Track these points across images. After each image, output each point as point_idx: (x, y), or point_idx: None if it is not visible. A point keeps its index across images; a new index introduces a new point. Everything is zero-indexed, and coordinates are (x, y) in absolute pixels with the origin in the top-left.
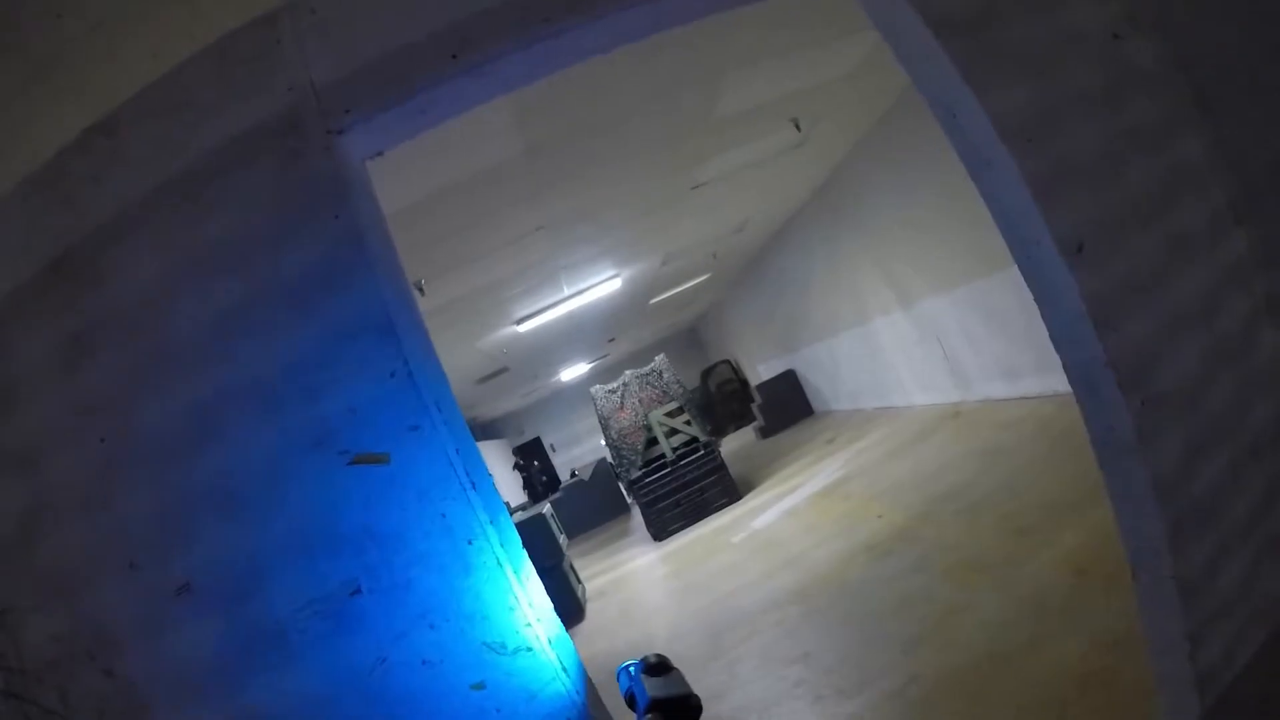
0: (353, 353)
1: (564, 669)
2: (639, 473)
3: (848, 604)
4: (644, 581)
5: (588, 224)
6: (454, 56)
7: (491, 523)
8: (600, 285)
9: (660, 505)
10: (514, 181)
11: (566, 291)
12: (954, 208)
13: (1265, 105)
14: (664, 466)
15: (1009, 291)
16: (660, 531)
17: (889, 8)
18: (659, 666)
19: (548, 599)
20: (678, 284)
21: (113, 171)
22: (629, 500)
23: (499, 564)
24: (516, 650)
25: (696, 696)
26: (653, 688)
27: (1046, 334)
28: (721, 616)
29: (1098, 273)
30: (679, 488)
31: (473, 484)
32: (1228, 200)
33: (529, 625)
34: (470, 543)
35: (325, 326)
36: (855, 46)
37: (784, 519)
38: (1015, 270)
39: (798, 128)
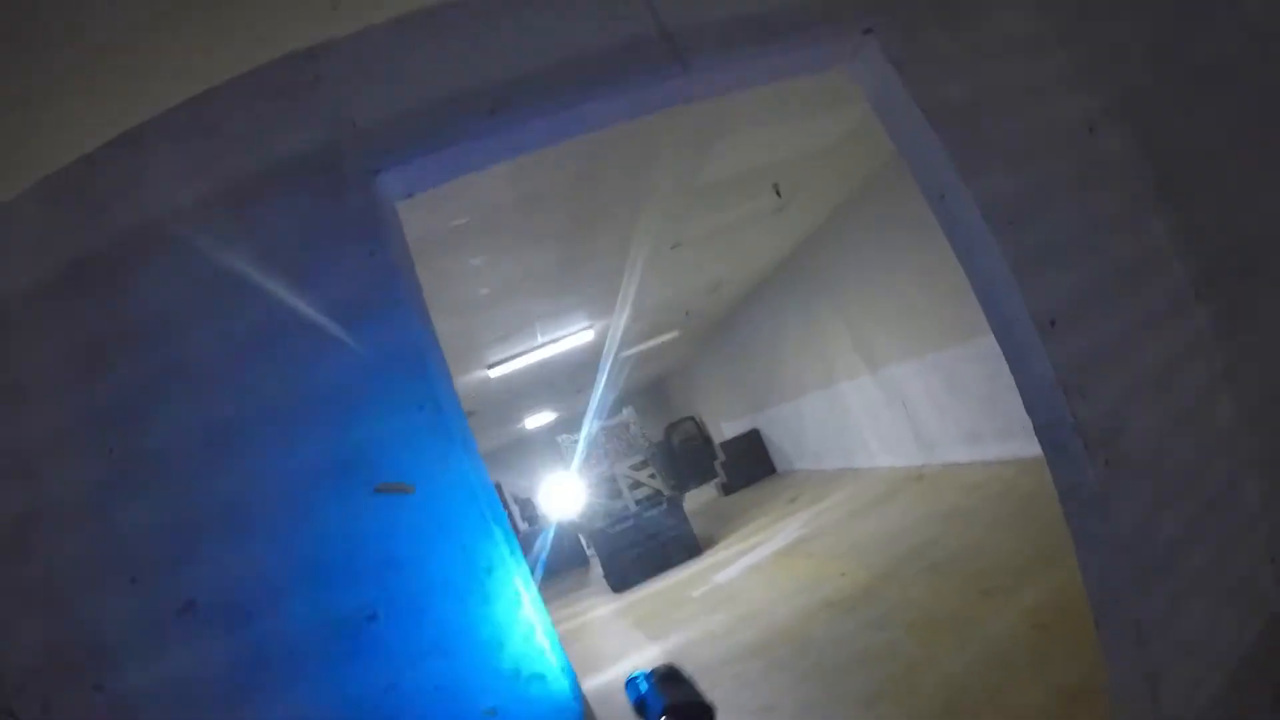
0: (384, 384)
1: (573, 696)
2: (602, 524)
3: (810, 659)
4: (603, 630)
5: (567, 276)
6: (492, 112)
7: (510, 553)
8: (574, 335)
9: (621, 557)
10: (501, 231)
11: (540, 339)
12: (925, 278)
13: (1224, 192)
14: (627, 518)
15: (973, 360)
16: (620, 583)
17: (890, 95)
18: (671, 676)
19: (555, 629)
20: (648, 339)
21: (140, 184)
22: (588, 551)
23: (517, 593)
24: (530, 677)
25: (710, 703)
26: (667, 694)
27: (1008, 401)
28: (684, 663)
29: (1068, 344)
30: (641, 540)
31: (494, 516)
32: (1189, 279)
33: (543, 653)
34: (490, 572)
35: (356, 357)
36: (842, 119)
37: (746, 575)
38: (980, 340)
39: (778, 194)
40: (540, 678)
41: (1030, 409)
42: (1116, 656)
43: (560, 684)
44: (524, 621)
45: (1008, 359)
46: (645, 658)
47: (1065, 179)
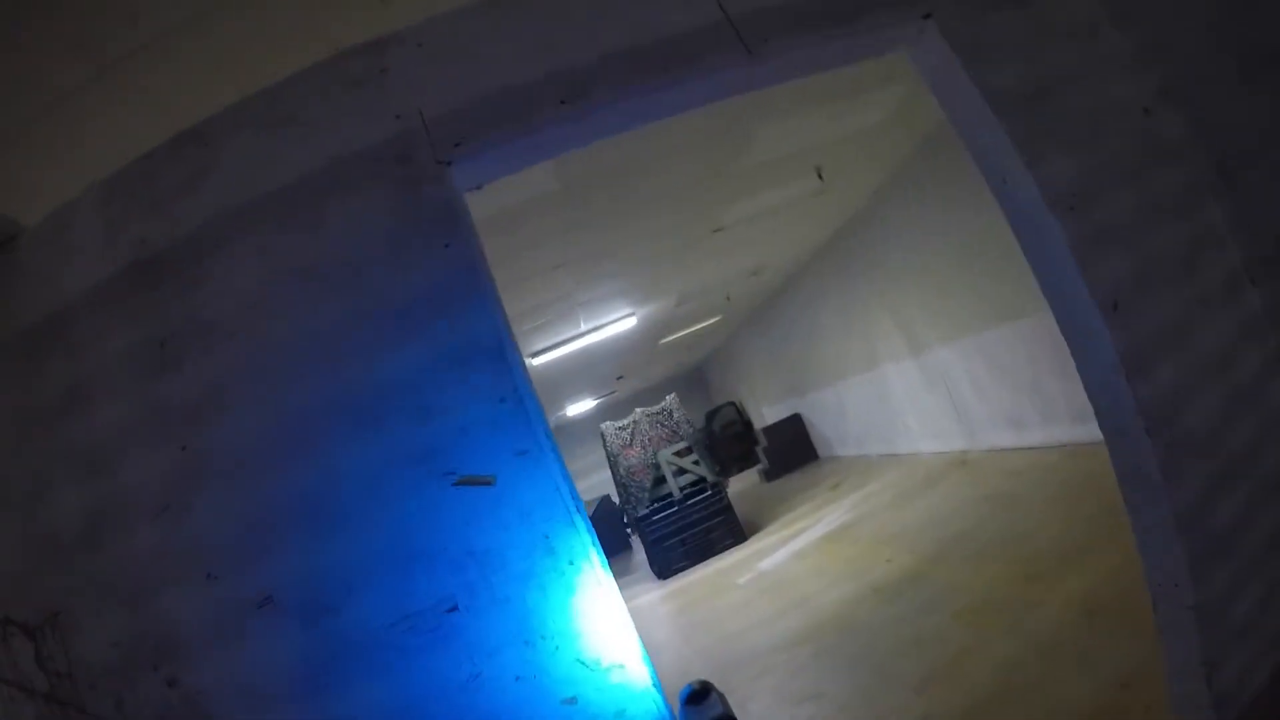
0: (465, 376)
1: (652, 684)
2: (645, 510)
3: (858, 644)
4: (649, 618)
5: (610, 262)
6: (563, 102)
7: (593, 544)
8: (615, 323)
9: (666, 544)
10: (546, 218)
11: (583, 327)
12: (967, 259)
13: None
14: (671, 505)
15: (1017, 344)
16: (664, 570)
17: (951, 80)
18: (698, 695)
19: (631, 619)
20: (690, 325)
21: (208, 179)
22: (631, 538)
23: (600, 584)
24: (610, 667)
25: (732, 714)
26: (691, 716)
27: (1051, 385)
28: (730, 655)
29: (1130, 328)
30: (685, 527)
31: (577, 509)
32: (1243, 262)
33: (622, 642)
34: (572, 563)
35: (436, 349)
36: (884, 99)
37: (791, 561)
38: (1024, 322)
39: (820, 176)
40: (620, 667)
41: (1092, 392)
42: (1174, 641)
43: (639, 673)
44: (604, 611)
45: (1070, 343)
46: (693, 648)
47: (1124, 162)
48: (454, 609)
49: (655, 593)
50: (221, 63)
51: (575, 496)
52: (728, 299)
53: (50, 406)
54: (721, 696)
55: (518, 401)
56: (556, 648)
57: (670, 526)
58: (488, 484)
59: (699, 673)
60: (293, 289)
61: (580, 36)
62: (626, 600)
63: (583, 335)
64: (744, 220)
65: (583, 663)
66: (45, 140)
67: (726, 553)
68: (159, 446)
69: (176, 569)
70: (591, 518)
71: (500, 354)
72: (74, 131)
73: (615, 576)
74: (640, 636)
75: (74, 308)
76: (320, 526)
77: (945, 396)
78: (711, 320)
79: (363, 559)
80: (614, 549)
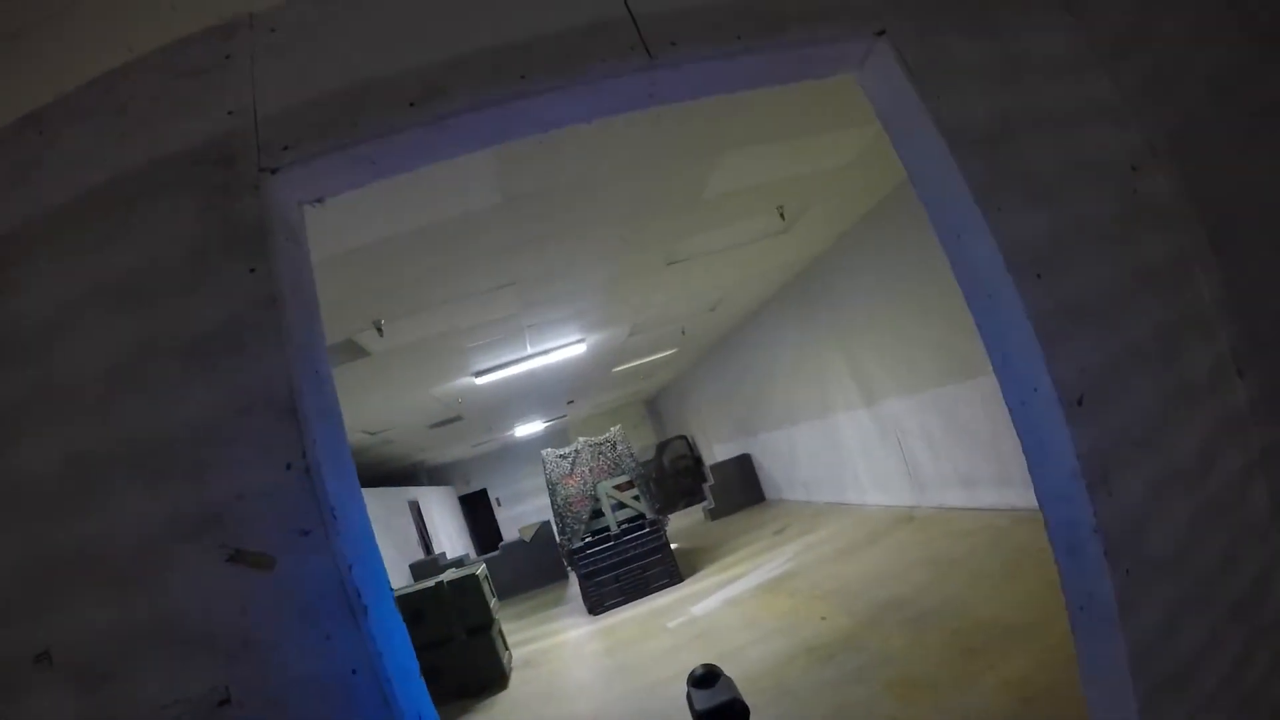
0: (249, 431)
1: None
2: (580, 543)
3: (784, 707)
4: (574, 656)
5: (559, 285)
6: (411, 105)
7: (383, 653)
8: (565, 348)
9: (600, 578)
10: (489, 233)
11: (529, 350)
12: (928, 312)
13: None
14: (607, 539)
15: (975, 401)
16: (596, 605)
17: (903, 109)
18: (706, 678)
19: None
20: (643, 356)
21: (36, 171)
22: (567, 569)
23: (384, 700)
24: None
25: (742, 701)
26: (699, 700)
27: (1007, 447)
28: (651, 704)
29: (1096, 427)
30: (620, 563)
31: (365, 609)
32: (1231, 348)
33: None
34: (354, 672)
35: (223, 395)
36: (852, 140)
37: (725, 608)
38: (982, 380)
39: (782, 216)
40: None
41: (1044, 502)
42: None
43: None
44: None
45: (1023, 441)
46: (614, 694)
47: (1103, 224)
48: (226, 702)
49: (584, 628)
50: (85, 39)
51: (368, 592)
52: (683, 332)
53: None
54: (730, 682)
55: (304, 470)
56: None
57: (605, 561)
58: (264, 567)
59: None
60: (92, 307)
61: (449, 29)
62: (554, 634)
63: (530, 358)
64: (701, 254)
65: None
66: None
67: (661, 592)
68: None
69: None
70: (528, 543)
71: (290, 409)
72: None
73: (547, 608)
74: (560, 674)
75: None
76: (99, 583)
77: (896, 449)
78: (666, 352)
79: (139, 627)
80: (550, 577)
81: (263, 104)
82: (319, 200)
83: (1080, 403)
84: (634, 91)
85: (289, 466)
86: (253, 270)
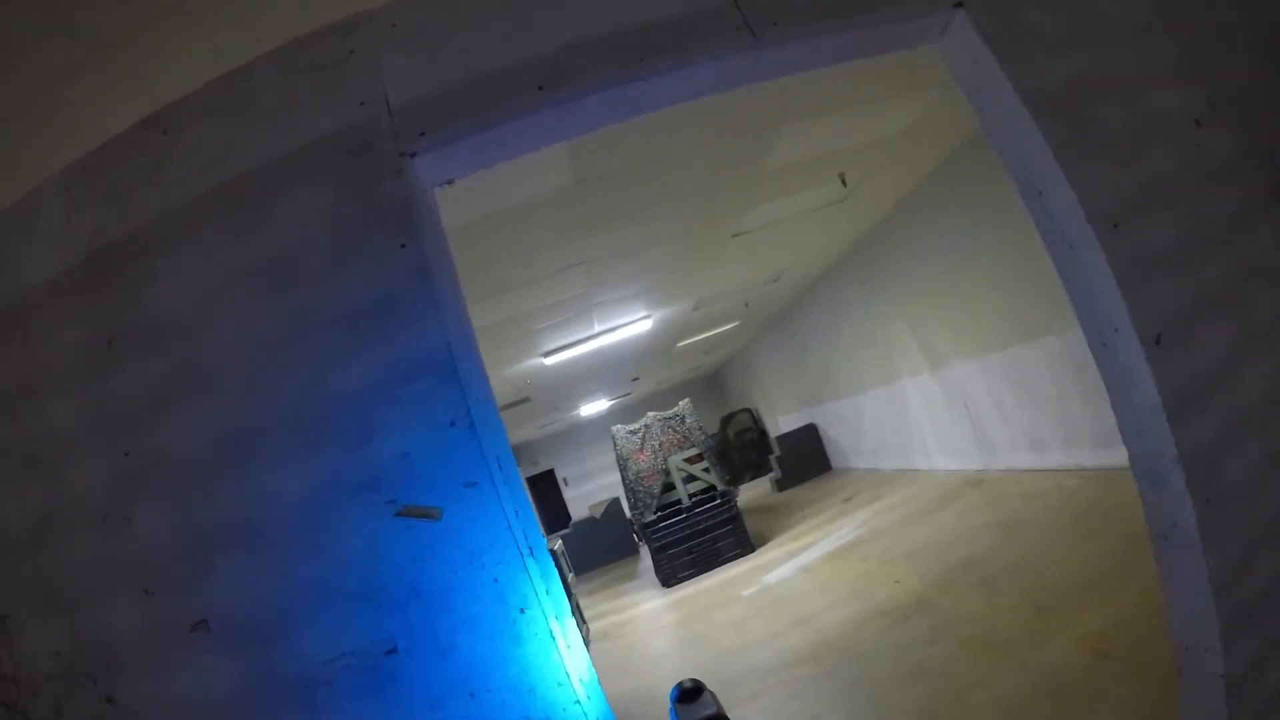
0: (411, 394)
1: None
2: (653, 516)
3: (860, 669)
4: (650, 627)
5: (627, 263)
6: (541, 88)
7: (547, 592)
8: (631, 325)
9: (672, 551)
10: (560, 214)
11: (597, 328)
12: (991, 274)
13: None
14: (679, 512)
15: (1040, 362)
16: (669, 578)
17: (983, 78)
18: (691, 693)
19: (595, 674)
20: (706, 329)
21: (165, 169)
22: (638, 542)
23: (552, 636)
24: None
25: (724, 715)
26: (683, 714)
27: (1073, 408)
28: (728, 672)
29: (1174, 365)
30: (692, 535)
31: (530, 550)
32: None
33: (577, 702)
34: (523, 611)
35: (383, 363)
36: (911, 105)
37: (797, 576)
38: (1048, 340)
39: (844, 183)
40: None
41: (1127, 436)
42: (1198, 711)
43: None
44: (559, 666)
45: (1105, 379)
46: (690, 663)
47: (1172, 178)
48: (393, 651)
49: (658, 600)
50: (193, 43)
51: (534, 534)
52: (746, 305)
53: (2, 402)
54: (713, 696)
55: (469, 426)
56: (503, 703)
57: (677, 534)
58: (433, 518)
59: None
60: (238, 291)
61: (563, 18)
62: (628, 607)
63: (597, 336)
64: (765, 225)
65: None
66: (28, 123)
67: (733, 563)
68: (102, 450)
69: (115, 581)
70: (599, 520)
71: (452, 371)
72: (52, 115)
73: (620, 582)
74: (637, 646)
75: (33, 298)
76: (258, 550)
77: (964, 413)
78: (729, 325)
79: (300, 588)
80: (622, 552)
81: (394, 94)
82: (449, 182)
83: (1158, 342)
84: (740, 69)
85: (453, 424)
86: (403, 246)
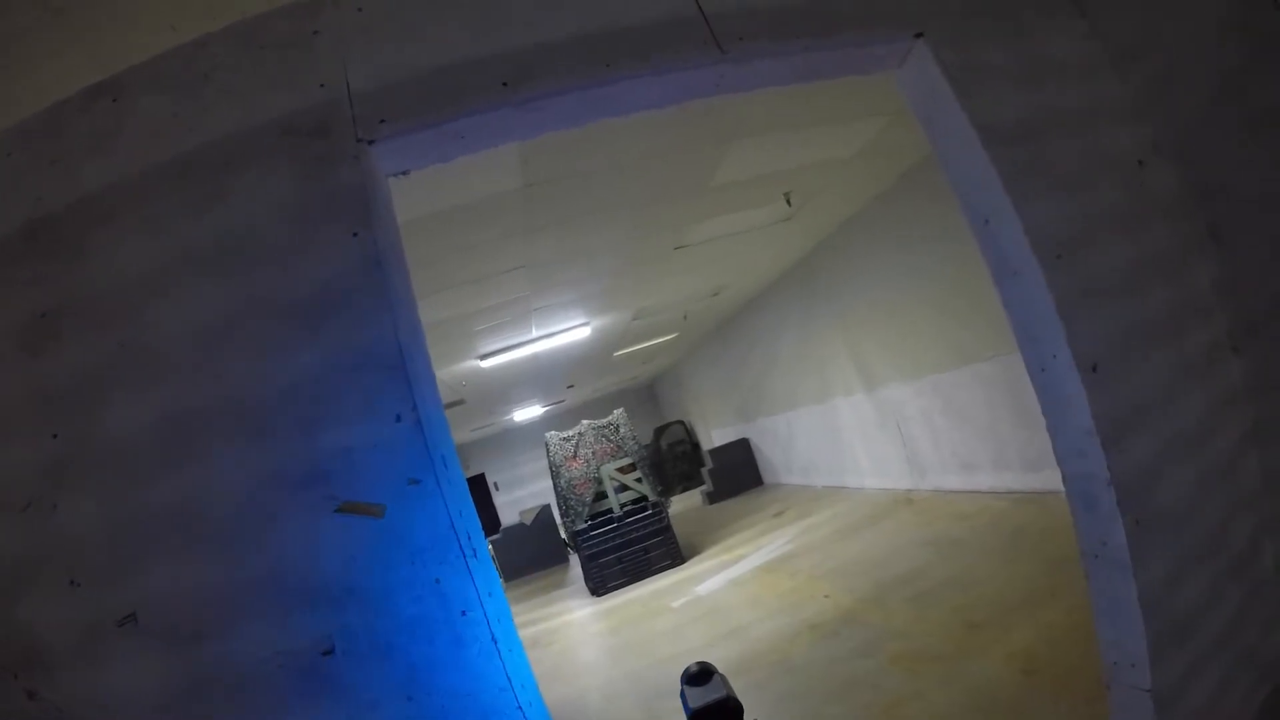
0: (357, 387)
1: None
2: (584, 524)
3: (790, 682)
4: (579, 636)
5: (570, 269)
6: (505, 85)
7: (490, 594)
8: (570, 331)
9: (602, 560)
10: (506, 216)
11: (535, 334)
12: (930, 299)
13: (1273, 240)
14: (610, 521)
15: (975, 386)
16: (600, 586)
17: (939, 106)
18: (699, 676)
19: (535, 681)
20: (645, 340)
21: (114, 139)
22: (569, 551)
23: (493, 640)
24: None
25: (736, 699)
26: (693, 698)
27: (1005, 431)
28: (657, 681)
29: (1109, 392)
30: (623, 544)
31: (474, 551)
32: (1228, 329)
33: (517, 708)
34: (465, 614)
35: (329, 354)
36: (862, 130)
37: (727, 588)
38: (980, 366)
39: (789, 203)
40: None
41: (1062, 458)
42: None
43: None
44: (499, 671)
45: (1043, 403)
46: (620, 671)
47: (1116, 214)
48: (329, 652)
49: (588, 609)
50: (149, 13)
51: (476, 535)
52: (685, 317)
53: None
54: (724, 679)
55: (415, 422)
56: (443, 707)
57: (608, 543)
58: (375, 515)
59: (624, 697)
60: (184, 272)
61: (532, 17)
62: (558, 615)
63: (535, 341)
64: (708, 240)
65: None
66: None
67: (663, 573)
68: (29, 431)
69: (40, 570)
70: (529, 526)
71: (400, 365)
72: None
73: (549, 590)
74: (566, 654)
75: None
76: (192, 542)
77: (895, 434)
78: (668, 337)
79: (234, 584)
80: (552, 560)
81: (355, 79)
82: (405, 172)
83: (1094, 370)
84: (704, 82)
85: (399, 419)
86: (355, 234)
